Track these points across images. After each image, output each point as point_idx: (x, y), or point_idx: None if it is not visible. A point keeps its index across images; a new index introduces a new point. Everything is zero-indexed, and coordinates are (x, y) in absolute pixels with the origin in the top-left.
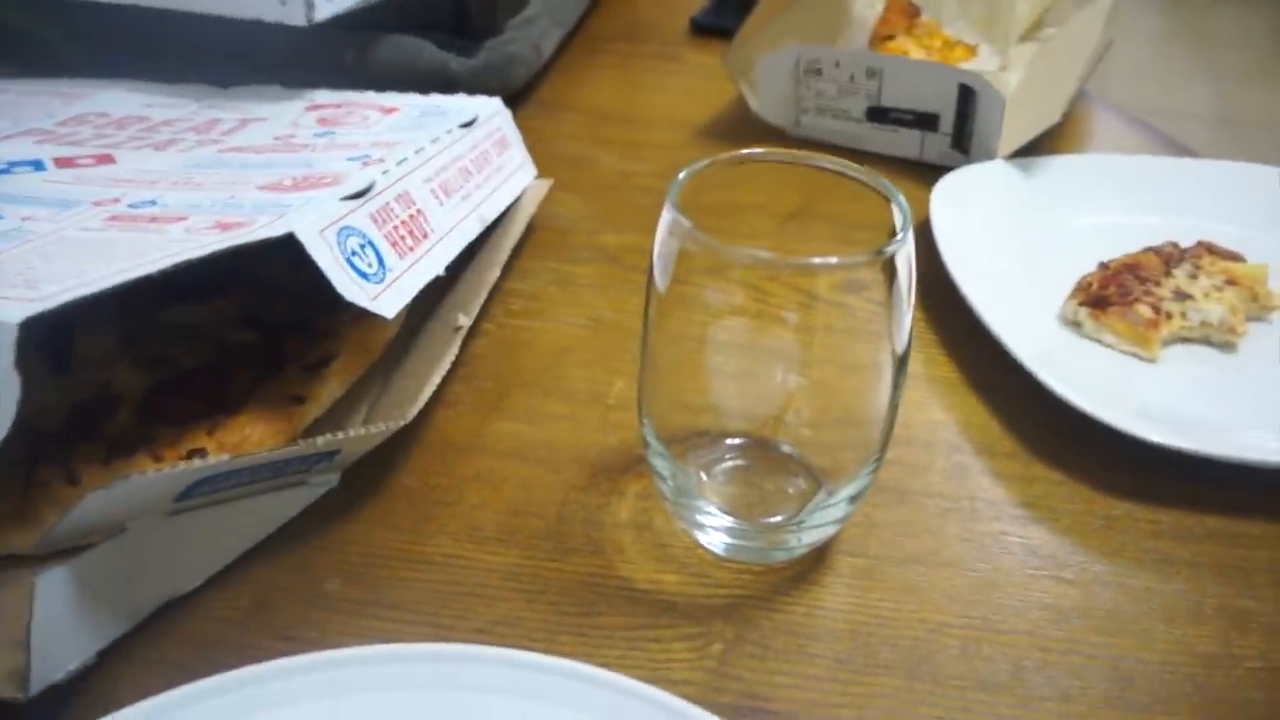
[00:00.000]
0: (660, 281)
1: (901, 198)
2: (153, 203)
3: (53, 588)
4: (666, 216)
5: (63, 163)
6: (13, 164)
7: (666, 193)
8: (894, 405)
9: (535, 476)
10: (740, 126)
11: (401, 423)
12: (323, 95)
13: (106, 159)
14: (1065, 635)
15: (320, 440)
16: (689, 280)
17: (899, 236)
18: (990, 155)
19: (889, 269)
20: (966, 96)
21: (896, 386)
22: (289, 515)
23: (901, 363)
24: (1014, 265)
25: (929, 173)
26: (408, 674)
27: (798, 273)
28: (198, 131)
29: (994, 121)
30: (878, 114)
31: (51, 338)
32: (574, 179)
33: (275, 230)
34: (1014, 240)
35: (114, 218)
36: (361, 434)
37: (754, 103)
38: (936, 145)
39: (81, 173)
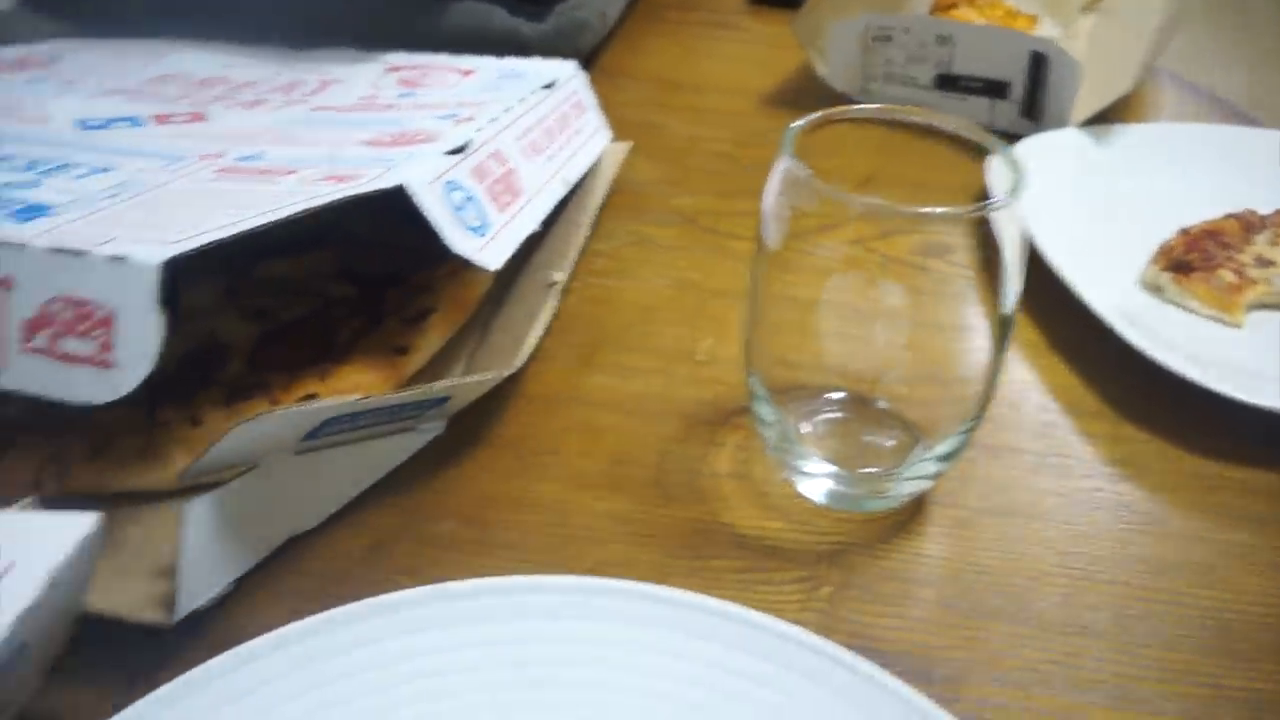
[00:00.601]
0: (770, 238)
1: (1014, 153)
2: (258, 157)
3: (200, 516)
4: (781, 167)
5: (160, 119)
6: (111, 120)
7: (781, 145)
8: (996, 367)
9: (633, 428)
10: (805, 93)
11: (508, 371)
12: (399, 58)
13: (199, 117)
14: (1164, 586)
15: (436, 385)
16: (799, 237)
17: (1013, 190)
18: (1062, 123)
19: (997, 225)
20: (1038, 63)
21: (1000, 349)
22: (400, 460)
23: (1006, 324)
24: (1091, 231)
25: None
26: (545, 604)
27: (912, 224)
28: (282, 92)
29: (1067, 88)
30: (946, 81)
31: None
32: (643, 144)
33: (387, 182)
34: (1090, 206)
35: (223, 170)
36: (472, 381)
37: (822, 69)
38: (1006, 113)
39: (178, 128)
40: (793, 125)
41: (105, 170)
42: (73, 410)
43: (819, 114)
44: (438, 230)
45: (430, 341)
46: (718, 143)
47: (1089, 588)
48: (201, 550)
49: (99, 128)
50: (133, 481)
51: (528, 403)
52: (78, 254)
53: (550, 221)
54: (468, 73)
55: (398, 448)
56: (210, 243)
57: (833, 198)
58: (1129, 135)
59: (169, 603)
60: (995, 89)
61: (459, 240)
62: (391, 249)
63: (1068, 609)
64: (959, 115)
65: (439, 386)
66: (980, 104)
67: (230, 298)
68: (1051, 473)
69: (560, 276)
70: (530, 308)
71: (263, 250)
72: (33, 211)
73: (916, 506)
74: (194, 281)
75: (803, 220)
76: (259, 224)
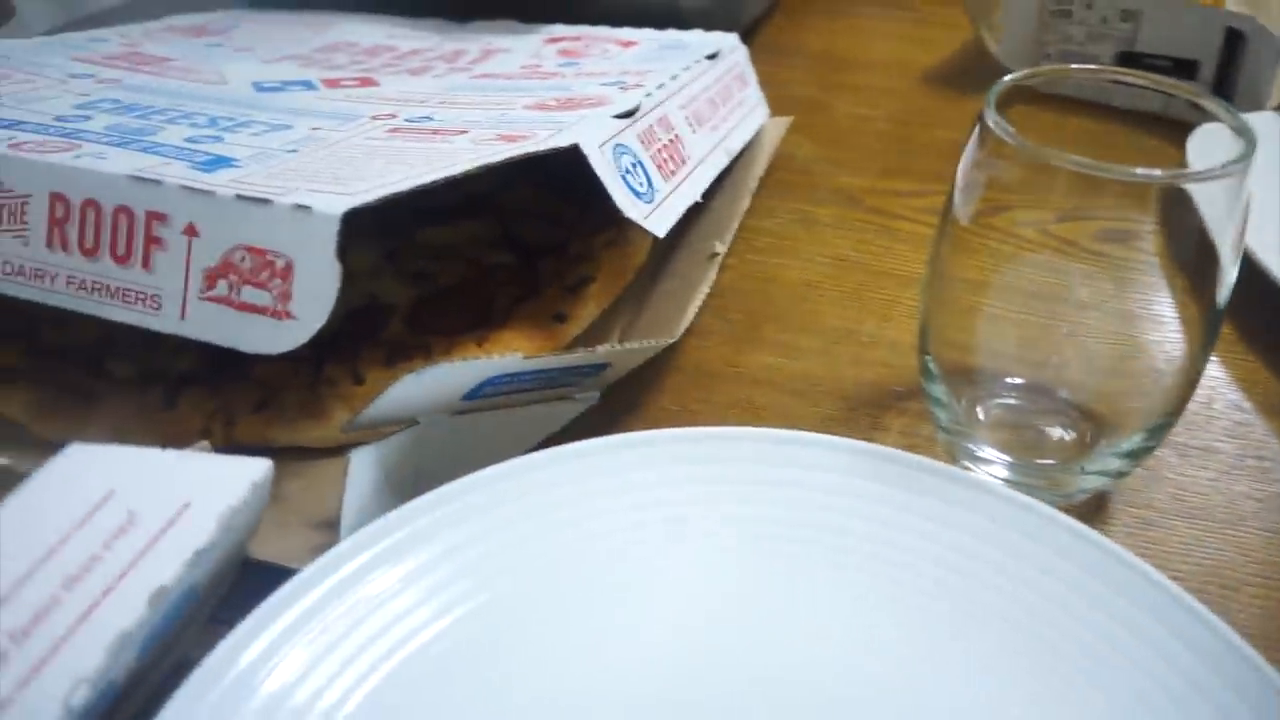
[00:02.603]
0: (958, 212)
1: (1246, 121)
2: (429, 118)
3: (363, 467)
4: (983, 125)
5: (330, 83)
6: (286, 83)
7: (985, 102)
8: (1198, 363)
9: (794, 407)
10: (975, 73)
11: (670, 339)
12: (559, 29)
13: (369, 81)
14: None
15: (600, 349)
16: (987, 215)
17: (1243, 157)
18: (1258, 105)
19: (1215, 200)
20: (1233, 41)
21: (1206, 343)
22: (557, 427)
23: (1215, 316)
24: None
25: (1174, 129)
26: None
27: (1108, 206)
28: (446, 60)
29: (1266, 68)
30: (1129, 60)
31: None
32: (806, 122)
33: (560, 141)
34: None
35: (395, 130)
36: (632, 348)
37: (993, 47)
38: (1181, 100)
39: (350, 92)
40: (999, 82)
41: (284, 128)
42: (241, 364)
43: (1027, 70)
44: (609, 192)
45: (588, 310)
46: (882, 122)
47: None
48: (363, 501)
49: (275, 90)
50: (296, 436)
51: (686, 377)
52: (262, 202)
53: (710, 194)
54: (628, 44)
55: (554, 415)
56: (391, 195)
57: (1038, 157)
58: None
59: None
60: (1183, 69)
61: (628, 204)
62: (549, 219)
63: (1268, 621)
64: (1136, 100)
65: (602, 350)
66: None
67: (390, 262)
68: (1247, 475)
69: (721, 248)
70: (690, 278)
71: (422, 217)
72: (219, 163)
73: (1098, 503)
74: (355, 244)
75: (995, 195)
76: (438, 178)
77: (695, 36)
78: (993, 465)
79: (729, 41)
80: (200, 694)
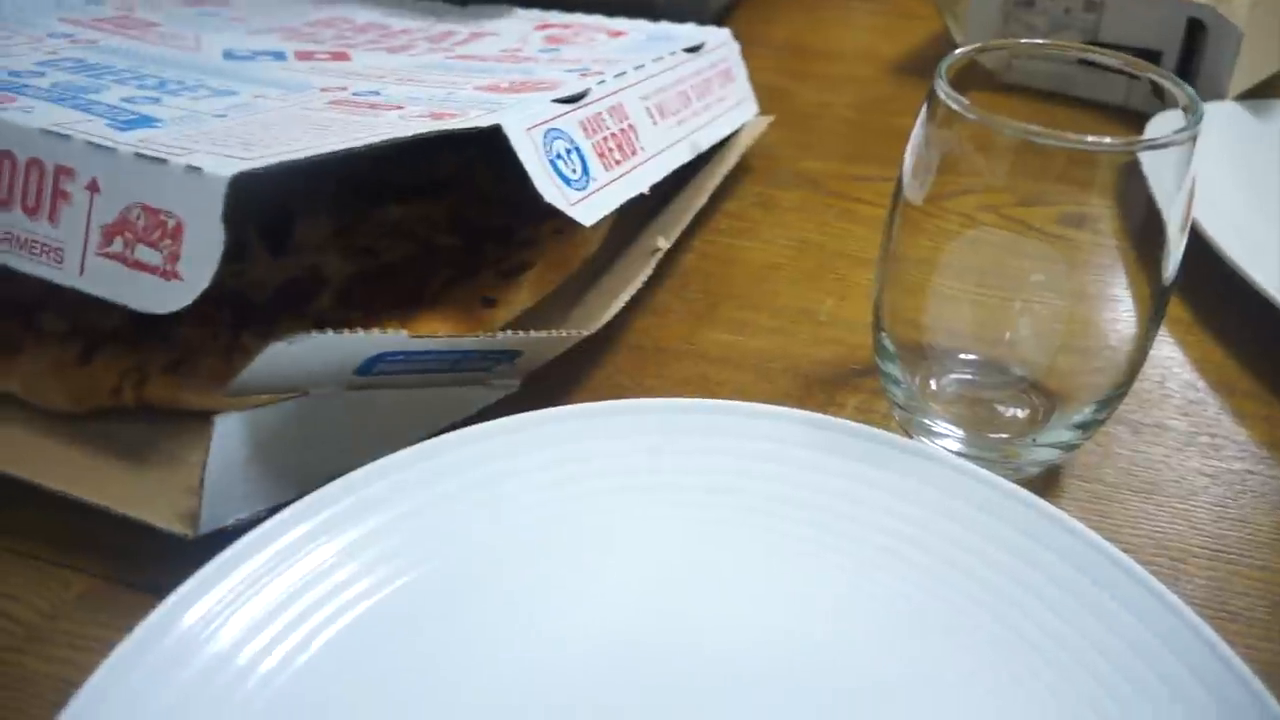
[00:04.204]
0: (910, 191)
1: (1194, 92)
2: (376, 93)
3: (229, 431)
4: (932, 98)
5: (302, 55)
6: (257, 53)
7: (934, 78)
8: (1146, 339)
9: (750, 384)
10: (939, 62)
11: (586, 332)
12: (553, 16)
13: (342, 56)
14: None
15: (500, 336)
16: (939, 199)
17: (1190, 126)
18: (1219, 95)
19: (1162, 174)
20: (1195, 31)
21: (1154, 319)
22: (465, 413)
23: (1163, 293)
24: (1249, 207)
25: (1137, 121)
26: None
27: (1057, 191)
28: (431, 40)
29: (1226, 58)
30: None
31: (274, 221)
32: (771, 108)
33: (483, 121)
34: (1249, 182)
35: (336, 102)
36: (544, 336)
37: (959, 36)
38: (1143, 88)
39: (317, 65)
40: (948, 56)
41: (228, 94)
42: (163, 327)
43: (975, 45)
44: (529, 176)
45: (521, 297)
46: (845, 109)
47: (1241, 574)
48: (229, 466)
49: (244, 59)
50: (205, 400)
51: (642, 354)
52: (158, 161)
53: (675, 190)
54: (617, 34)
55: (465, 399)
56: (287, 161)
57: (986, 125)
58: None
59: (194, 517)
60: (1146, 60)
61: (550, 190)
62: (512, 206)
63: (1214, 592)
64: (1097, 91)
65: (503, 337)
66: (1118, 80)
67: (341, 235)
68: (1199, 452)
69: (664, 243)
70: (630, 273)
71: (382, 195)
72: (139, 123)
73: (1051, 478)
74: (309, 218)
75: (946, 174)
76: (336, 149)
77: (684, 30)
78: (946, 439)
79: (718, 37)
80: (139, 654)
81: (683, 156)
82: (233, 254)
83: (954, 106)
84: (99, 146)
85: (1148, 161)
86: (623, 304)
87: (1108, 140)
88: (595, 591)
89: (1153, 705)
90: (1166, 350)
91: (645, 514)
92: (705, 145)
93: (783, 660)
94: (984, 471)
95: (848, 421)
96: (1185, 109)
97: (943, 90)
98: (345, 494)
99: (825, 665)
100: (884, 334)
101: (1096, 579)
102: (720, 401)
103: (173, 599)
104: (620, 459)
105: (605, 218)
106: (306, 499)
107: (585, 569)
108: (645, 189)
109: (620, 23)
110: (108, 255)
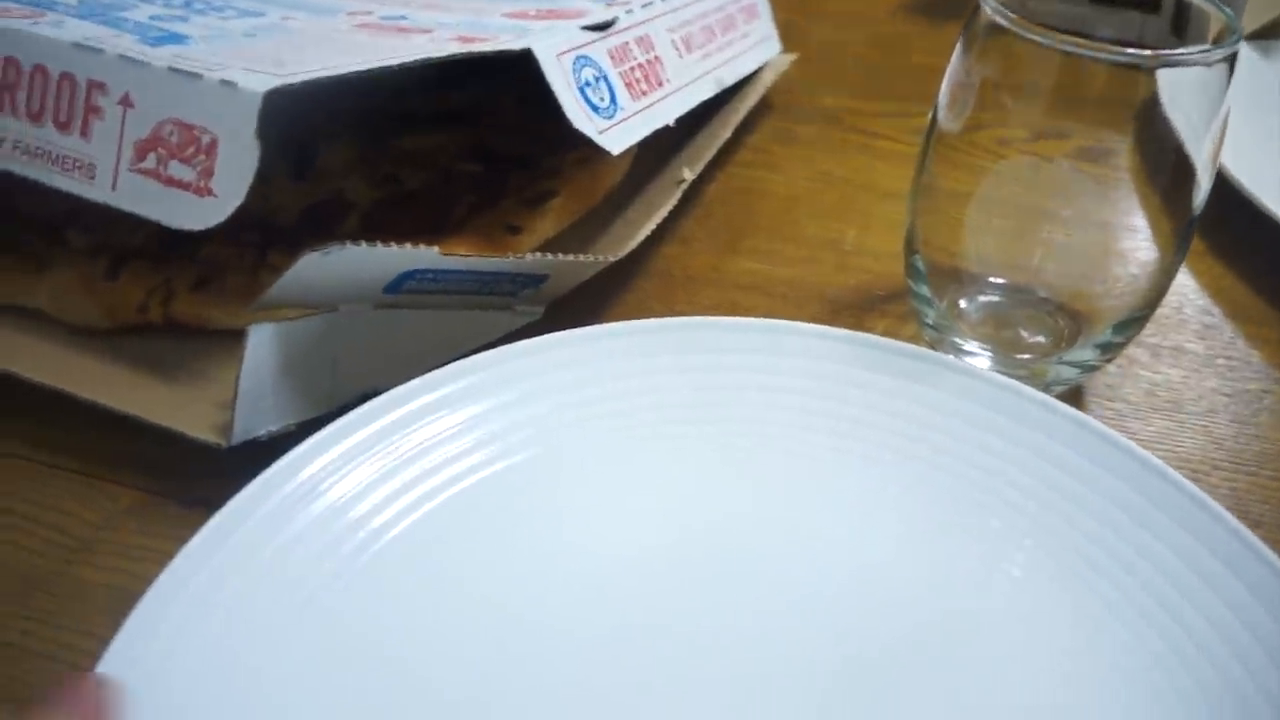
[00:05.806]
0: (948, 118)
1: (1231, 12)
2: (403, 17)
3: (263, 341)
4: (974, 22)
5: None
6: None
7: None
8: (1171, 269)
9: (778, 309)
10: (950, 2)
11: (614, 257)
12: None
13: None
14: None
15: (530, 258)
16: (972, 130)
17: (1229, 43)
18: None
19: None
20: None
21: (1179, 250)
22: (489, 338)
23: (1189, 225)
24: (1262, 147)
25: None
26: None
27: (1112, 83)
28: None
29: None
30: None
31: (298, 146)
32: (788, 45)
33: (514, 45)
34: (1260, 123)
35: (363, 25)
36: (573, 260)
37: None
38: (1157, 27)
39: None
40: None
41: (255, 14)
42: (190, 245)
43: None
44: (558, 101)
45: (545, 225)
46: (859, 46)
47: (1260, 484)
48: (261, 377)
49: None
50: (231, 318)
51: (672, 281)
52: (193, 76)
53: (701, 122)
54: None
55: (491, 323)
56: (320, 78)
57: (1032, 36)
58: None
59: (226, 428)
60: (1149, 4)
61: (580, 117)
62: (532, 135)
63: (1238, 502)
64: (1109, 31)
65: (532, 259)
66: (1133, 19)
67: (365, 162)
68: (1217, 373)
69: (689, 174)
70: (654, 203)
71: (406, 122)
72: (168, 39)
73: (1073, 397)
74: (334, 143)
75: (982, 107)
76: (371, 67)
77: None
78: (975, 358)
79: None
80: (264, 495)
81: (706, 91)
82: (261, 175)
83: (1002, 21)
84: (133, 60)
85: (1182, 86)
86: (649, 231)
87: (1148, 53)
88: (675, 495)
89: (1191, 601)
90: (1182, 279)
91: (719, 429)
92: (730, 81)
93: (836, 570)
94: (1017, 383)
95: (888, 340)
96: (1219, 35)
97: (990, 5)
98: (471, 371)
99: (868, 569)
100: (917, 256)
101: (1137, 486)
102: (767, 321)
103: (294, 453)
104: (684, 375)
105: (628, 150)
106: (432, 374)
107: (662, 480)
108: (671, 121)
109: None
110: (141, 171)
